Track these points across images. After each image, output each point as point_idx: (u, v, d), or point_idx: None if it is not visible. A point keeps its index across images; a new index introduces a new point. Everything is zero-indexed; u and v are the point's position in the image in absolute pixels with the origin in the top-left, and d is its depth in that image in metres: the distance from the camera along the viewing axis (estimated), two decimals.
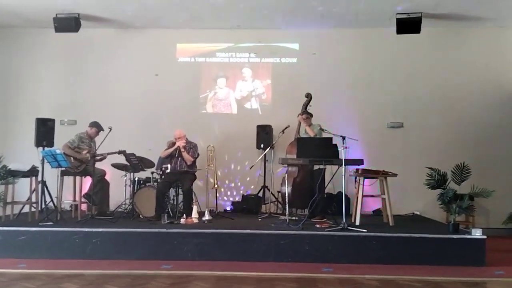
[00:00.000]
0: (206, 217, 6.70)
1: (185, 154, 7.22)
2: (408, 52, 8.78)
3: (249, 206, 8.15)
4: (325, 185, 6.72)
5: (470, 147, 8.46)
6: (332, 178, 6.55)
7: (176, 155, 7.27)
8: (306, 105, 7.32)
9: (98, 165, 7.15)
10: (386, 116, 8.76)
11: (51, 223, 6.23)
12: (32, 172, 7.08)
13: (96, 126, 7.38)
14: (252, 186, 8.66)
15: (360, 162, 6.28)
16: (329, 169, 6.65)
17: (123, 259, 5.63)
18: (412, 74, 8.79)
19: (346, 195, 6.21)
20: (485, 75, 8.66)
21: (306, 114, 7.21)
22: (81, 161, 7.08)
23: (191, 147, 7.37)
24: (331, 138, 6.24)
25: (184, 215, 6.62)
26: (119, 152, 7.17)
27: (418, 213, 8.25)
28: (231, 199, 8.78)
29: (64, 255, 5.69)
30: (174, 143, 7.35)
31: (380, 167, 6.74)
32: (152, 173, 7.63)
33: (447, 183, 6.21)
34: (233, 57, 9.14)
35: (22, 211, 7.42)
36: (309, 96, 7.36)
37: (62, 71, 9.06)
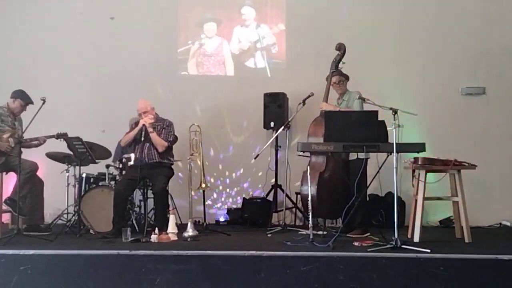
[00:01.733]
0: (189, 232, 6.71)
1: (154, 136, 7.22)
2: None
3: (253, 215, 8.17)
4: (368, 184, 6.71)
5: None
6: (377, 172, 6.53)
7: (142, 139, 7.24)
8: (337, 62, 7.28)
9: (26, 155, 7.15)
10: (460, 79, 8.76)
11: None
12: None
13: (21, 97, 7.37)
14: (259, 186, 8.70)
15: (420, 147, 6.23)
16: (374, 159, 6.63)
17: None
18: (499, 15, 8.75)
19: (399, 198, 6.19)
20: None
21: (339, 75, 7.16)
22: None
23: (164, 126, 7.38)
24: (376, 112, 6.20)
25: (157, 230, 6.64)
26: (58, 136, 7.14)
27: (508, 223, 8.26)
28: (226, 205, 8.82)
29: None
30: (138, 122, 7.34)
31: (450, 155, 6.71)
32: (108, 166, 7.65)
33: None
34: None
35: None
36: (341, 49, 7.32)
37: None
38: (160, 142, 7.24)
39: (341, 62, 7.29)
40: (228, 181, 8.93)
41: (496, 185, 8.24)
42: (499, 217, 8.30)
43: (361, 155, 6.53)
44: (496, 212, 8.30)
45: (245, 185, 8.89)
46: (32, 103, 7.29)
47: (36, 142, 7.27)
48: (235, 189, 8.92)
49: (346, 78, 7.21)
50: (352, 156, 6.79)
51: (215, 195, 8.86)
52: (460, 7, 8.79)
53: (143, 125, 7.22)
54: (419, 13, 8.82)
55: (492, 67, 8.72)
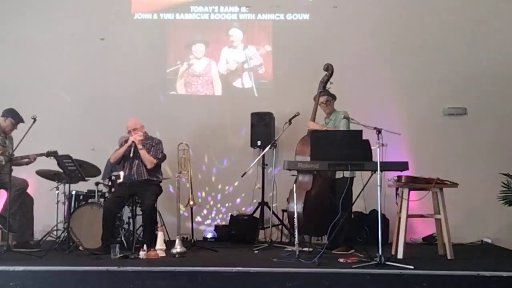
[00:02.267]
0: (177, 248, 6.69)
1: (143, 153, 7.20)
2: (473, 7, 8.84)
3: (240, 232, 8.15)
4: (353, 201, 6.72)
5: None
6: (362, 190, 6.54)
7: (131, 155, 7.22)
8: (325, 82, 7.30)
9: (16, 172, 7.12)
10: (442, 99, 8.80)
11: None
12: None
13: (13, 116, 7.36)
14: (246, 203, 8.69)
15: (403, 166, 6.27)
16: (359, 178, 6.65)
17: None
18: (480, 39, 8.83)
19: (383, 215, 6.20)
20: None
21: (327, 95, 7.19)
22: None
23: (153, 144, 7.37)
24: (360, 132, 6.23)
25: (145, 246, 6.61)
26: (48, 154, 7.12)
27: (489, 240, 8.28)
28: (214, 222, 8.79)
29: None
30: (128, 140, 7.33)
31: (433, 173, 6.75)
32: (97, 184, 7.62)
33: None
34: (216, 12, 9.17)
35: None
36: (329, 69, 7.34)
37: None
38: (149, 159, 7.22)
39: (328, 83, 7.32)
40: (215, 198, 8.90)
41: (477, 203, 8.25)
42: (481, 234, 8.31)
43: (347, 174, 6.57)
44: (478, 230, 8.30)
45: (233, 202, 8.86)
46: (23, 121, 7.29)
47: (26, 160, 7.25)
48: (223, 206, 8.89)
49: (334, 98, 7.24)
50: (339, 174, 6.80)
51: (203, 213, 8.82)
52: (442, 31, 8.84)
53: (133, 142, 7.21)
54: (403, 36, 8.87)
55: (473, 88, 8.76)
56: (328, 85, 7.32)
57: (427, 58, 8.84)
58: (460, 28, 8.86)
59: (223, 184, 8.90)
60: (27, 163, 7.30)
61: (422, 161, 7.92)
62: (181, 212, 7.65)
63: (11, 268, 5.75)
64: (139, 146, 7.19)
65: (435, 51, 8.83)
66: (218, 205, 8.92)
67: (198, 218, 8.70)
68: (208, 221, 8.85)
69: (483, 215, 8.29)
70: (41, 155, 7.18)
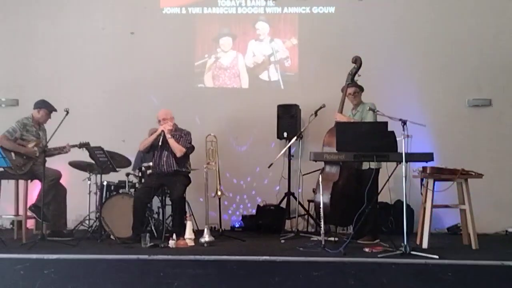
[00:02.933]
0: (206, 238, 6.73)
1: (172, 142, 7.23)
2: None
3: (267, 222, 8.18)
4: (378, 192, 6.70)
5: None
6: (387, 181, 6.52)
7: (160, 145, 7.24)
8: (353, 74, 7.22)
9: (50, 163, 7.19)
10: (467, 91, 8.75)
11: None
12: None
13: (46, 107, 7.42)
14: (273, 193, 8.70)
15: (428, 157, 6.21)
16: (384, 169, 6.63)
17: None
18: (505, 30, 8.76)
19: (408, 206, 6.16)
20: None
21: (355, 86, 7.14)
22: (26, 158, 7.13)
23: (182, 135, 7.40)
24: (386, 123, 6.19)
25: (174, 235, 6.65)
26: (80, 146, 7.20)
27: None
28: (241, 212, 8.82)
29: None
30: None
31: (458, 164, 6.70)
32: (128, 175, 7.68)
33: None
34: (243, 5, 9.17)
35: None
36: (357, 62, 7.25)
37: None
38: (178, 148, 7.25)
39: (356, 75, 7.27)
40: (242, 188, 8.94)
41: (502, 193, 8.20)
42: (505, 224, 8.25)
43: (373, 165, 6.54)
44: (502, 220, 8.25)
45: (259, 192, 8.87)
46: (56, 110, 7.34)
47: (59, 151, 7.32)
48: (250, 196, 8.91)
49: (361, 89, 7.19)
50: (365, 166, 6.77)
51: (229, 203, 8.85)
52: (467, 22, 8.77)
53: (162, 131, 7.25)
54: (429, 28, 8.82)
55: (498, 80, 8.69)
56: (356, 77, 7.27)
57: (452, 50, 8.77)
58: (486, 19, 8.77)
59: (250, 175, 8.91)
60: (60, 153, 7.38)
61: (447, 152, 7.88)
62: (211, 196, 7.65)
63: (45, 256, 5.82)
64: (168, 135, 7.23)
65: (461, 43, 8.77)
66: (245, 196, 8.94)
67: (226, 208, 8.73)
68: (236, 212, 8.88)
69: (508, 206, 8.24)
70: (74, 146, 7.27)
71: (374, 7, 8.88)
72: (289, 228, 8.09)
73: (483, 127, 8.65)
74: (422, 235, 6.51)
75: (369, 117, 6.91)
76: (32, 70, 9.04)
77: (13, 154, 7.08)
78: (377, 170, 6.59)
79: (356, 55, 7.31)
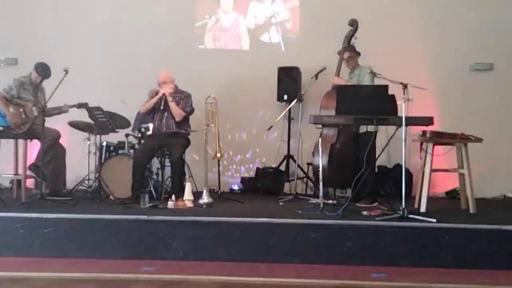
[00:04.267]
0: (205, 199, 6.74)
1: (173, 105, 7.24)
2: None
3: (266, 184, 8.21)
4: (377, 155, 6.68)
5: None
6: (387, 144, 6.50)
7: (161, 108, 7.27)
8: (349, 37, 7.20)
9: (49, 123, 7.16)
10: (468, 54, 8.68)
11: None
12: None
13: (39, 71, 7.29)
14: (272, 156, 8.69)
15: (428, 121, 6.20)
16: (383, 132, 6.61)
17: (86, 257, 5.65)
18: None
19: (407, 170, 6.16)
20: None
21: (350, 50, 7.11)
22: (25, 117, 7.10)
23: (182, 97, 7.38)
24: (386, 86, 6.16)
25: (173, 197, 6.67)
26: (79, 106, 7.17)
27: None
28: (240, 174, 8.84)
29: (2, 251, 5.75)
30: (158, 92, 7.34)
31: (457, 128, 6.67)
32: (127, 135, 7.66)
33: None
34: None
35: None
36: (354, 25, 7.22)
37: None
38: (178, 111, 7.25)
39: (353, 38, 7.22)
40: (242, 151, 8.95)
41: (501, 158, 8.22)
42: (504, 189, 8.28)
43: (371, 128, 6.53)
44: (501, 184, 8.27)
45: (259, 155, 8.88)
46: (47, 77, 7.28)
47: (58, 110, 7.30)
48: (249, 158, 8.92)
49: (357, 54, 7.14)
50: (362, 129, 6.76)
51: (229, 164, 8.87)
52: None
53: (163, 94, 7.24)
54: None
55: (500, 43, 8.62)
56: (352, 40, 7.21)
57: (453, 13, 8.68)
58: None
59: (250, 137, 8.92)
60: (59, 113, 7.36)
61: (448, 116, 7.86)
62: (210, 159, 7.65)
63: (45, 215, 5.86)
64: (169, 99, 7.22)
65: (461, 6, 8.69)
66: (245, 158, 8.94)
67: (225, 170, 8.75)
68: (235, 173, 8.89)
69: (507, 170, 8.25)
70: (73, 106, 7.24)
71: None
72: (288, 191, 8.11)
73: (484, 91, 8.61)
74: (420, 199, 6.51)
75: (366, 80, 6.88)
76: (32, 29, 8.96)
77: (11, 109, 7.06)
78: (374, 133, 6.57)
79: (353, 18, 7.25)
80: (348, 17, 7.32)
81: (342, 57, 7.14)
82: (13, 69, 8.63)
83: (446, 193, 8.18)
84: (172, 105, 7.24)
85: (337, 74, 7.19)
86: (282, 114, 7.81)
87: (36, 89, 7.38)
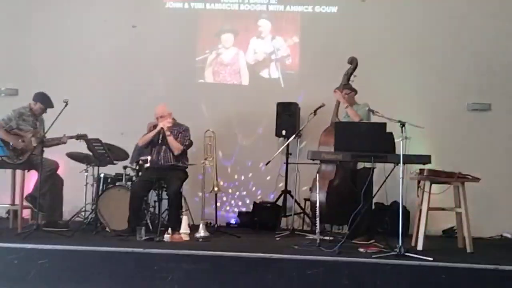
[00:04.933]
0: (201, 233, 6.73)
1: (171, 139, 7.26)
2: (499, 2, 8.75)
3: (262, 219, 8.18)
4: (375, 193, 6.69)
5: None
6: (384, 181, 6.50)
7: (159, 142, 7.30)
8: (349, 75, 7.25)
9: (47, 154, 7.15)
10: (466, 95, 8.71)
11: None
12: None
13: (41, 101, 7.36)
14: (269, 191, 8.70)
15: (426, 159, 6.24)
16: (381, 169, 6.61)
17: None
18: (504, 35, 8.73)
19: (404, 207, 6.16)
20: None
21: (348, 89, 7.15)
22: (23, 148, 7.11)
23: (181, 130, 7.41)
24: (384, 124, 6.19)
25: (170, 230, 6.65)
26: (78, 137, 7.19)
27: (509, 235, 8.21)
28: (237, 208, 8.81)
29: None
30: (156, 126, 7.37)
31: (455, 167, 6.69)
32: (125, 167, 7.66)
33: None
34: (245, 2, 9.15)
35: None
36: (353, 62, 7.28)
37: None
38: (176, 146, 7.26)
39: (352, 75, 7.27)
40: (240, 185, 8.92)
41: (498, 198, 8.19)
42: (501, 228, 8.25)
43: (368, 165, 6.53)
44: (498, 224, 8.23)
45: (256, 190, 8.87)
46: (52, 107, 7.31)
47: (57, 141, 7.31)
48: (247, 193, 8.90)
49: (355, 91, 7.19)
50: (360, 165, 6.78)
51: (226, 198, 8.85)
52: (466, 26, 8.74)
53: (161, 128, 7.26)
54: (429, 32, 8.79)
55: (497, 84, 8.67)
56: (352, 78, 7.26)
57: (452, 54, 8.75)
58: (484, 24, 8.74)
59: (247, 172, 8.90)
60: (58, 144, 7.36)
61: (445, 155, 7.85)
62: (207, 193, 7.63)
63: (40, 246, 5.84)
64: (167, 133, 7.24)
65: (460, 47, 8.75)
66: (242, 193, 8.93)
67: (222, 204, 8.73)
68: (232, 208, 8.87)
69: (504, 210, 8.23)
70: (71, 137, 7.24)
71: (376, 8, 8.85)
72: (284, 226, 8.09)
73: (481, 131, 8.63)
74: (417, 237, 6.50)
75: (362, 115, 6.93)
76: (32, 60, 9.01)
77: (10, 139, 7.07)
78: (373, 170, 6.56)
79: (353, 56, 7.31)
80: (347, 55, 7.38)
81: (341, 94, 7.15)
82: (13, 99, 8.64)
83: (443, 231, 8.14)
84: (170, 139, 7.26)
85: (336, 112, 7.22)
86: (280, 149, 7.85)
87: (36, 120, 7.40)
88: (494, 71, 8.67)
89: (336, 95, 7.18)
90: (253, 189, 8.89)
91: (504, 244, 7.79)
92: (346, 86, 7.19)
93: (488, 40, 8.74)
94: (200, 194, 7.61)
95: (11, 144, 7.05)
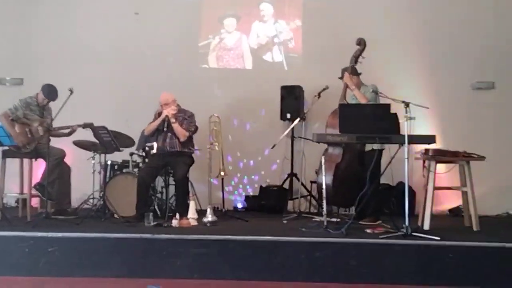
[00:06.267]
0: (209, 217, 6.74)
1: (176, 126, 7.25)
2: None
3: (269, 202, 8.20)
4: (381, 173, 6.69)
5: None
6: (390, 162, 6.50)
7: (165, 129, 7.30)
8: (357, 57, 7.08)
9: (54, 142, 7.19)
10: (470, 73, 8.68)
11: None
12: None
13: (46, 93, 7.32)
14: (276, 174, 8.72)
15: (431, 139, 6.21)
16: (387, 151, 6.61)
17: (91, 276, 5.65)
18: (508, 13, 8.67)
19: (410, 188, 6.15)
20: None
21: (353, 72, 7.08)
22: (30, 137, 7.12)
23: (186, 117, 7.39)
24: (389, 105, 6.17)
25: (177, 215, 6.67)
26: (85, 125, 7.19)
27: None
28: (244, 192, 8.83)
29: (6, 271, 5.71)
30: (161, 113, 7.36)
31: (460, 147, 6.68)
32: (132, 154, 7.67)
33: None
34: None
35: None
36: (362, 44, 7.08)
37: (1, 11, 9.13)
38: (181, 132, 7.26)
39: (360, 57, 7.17)
40: (246, 169, 8.93)
41: (504, 176, 8.18)
42: (507, 206, 8.23)
43: (376, 146, 6.52)
44: (504, 202, 8.22)
45: (262, 173, 8.87)
46: (53, 99, 7.32)
47: (67, 130, 7.35)
48: (253, 177, 8.91)
49: (357, 74, 7.09)
50: (368, 147, 6.76)
51: (233, 183, 8.86)
52: (471, 5, 8.69)
53: (166, 115, 7.25)
54: (433, 11, 8.75)
55: (501, 62, 8.62)
56: (360, 59, 7.17)
57: (455, 33, 8.69)
58: (489, 2, 8.69)
59: (253, 156, 8.90)
60: (68, 134, 7.42)
61: (450, 134, 7.86)
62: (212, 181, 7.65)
63: (49, 234, 5.86)
64: (172, 120, 7.23)
65: (463, 26, 8.68)
66: (249, 176, 8.94)
67: (229, 188, 8.72)
68: (239, 192, 8.88)
69: (510, 188, 8.21)
70: (78, 126, 7.26)
71: None
72: (291, 209, 8.11)
73: (486, 110, 8.60)
74: (423, 217, 6.51)
75: (369, 99, 6.88)
76: (37, 49, 8.98)
77: (16, 128, 7.08)
78: (380, 151, 6.55)
79: (360, 37, 7.24)
80: (350, 37, 7.31)
81: (347, 77, 7.07)
82: (18, 89, 8.66)
83: (450, 210, 8.14)
84: (176, 126, 7.25)
85: (344, 94, 7.13)
86: (285, 133, 7.80)
87: (42, 109, 7.41)
88: (497, 49, 8.62)
89: (344, 78, 7.10)
90: (259, 172, 8.88)
91: (510, 221, 7.79)
92: (349, 70, 7.07)
93: (491, 18, 8.69)
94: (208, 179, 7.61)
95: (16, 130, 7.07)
